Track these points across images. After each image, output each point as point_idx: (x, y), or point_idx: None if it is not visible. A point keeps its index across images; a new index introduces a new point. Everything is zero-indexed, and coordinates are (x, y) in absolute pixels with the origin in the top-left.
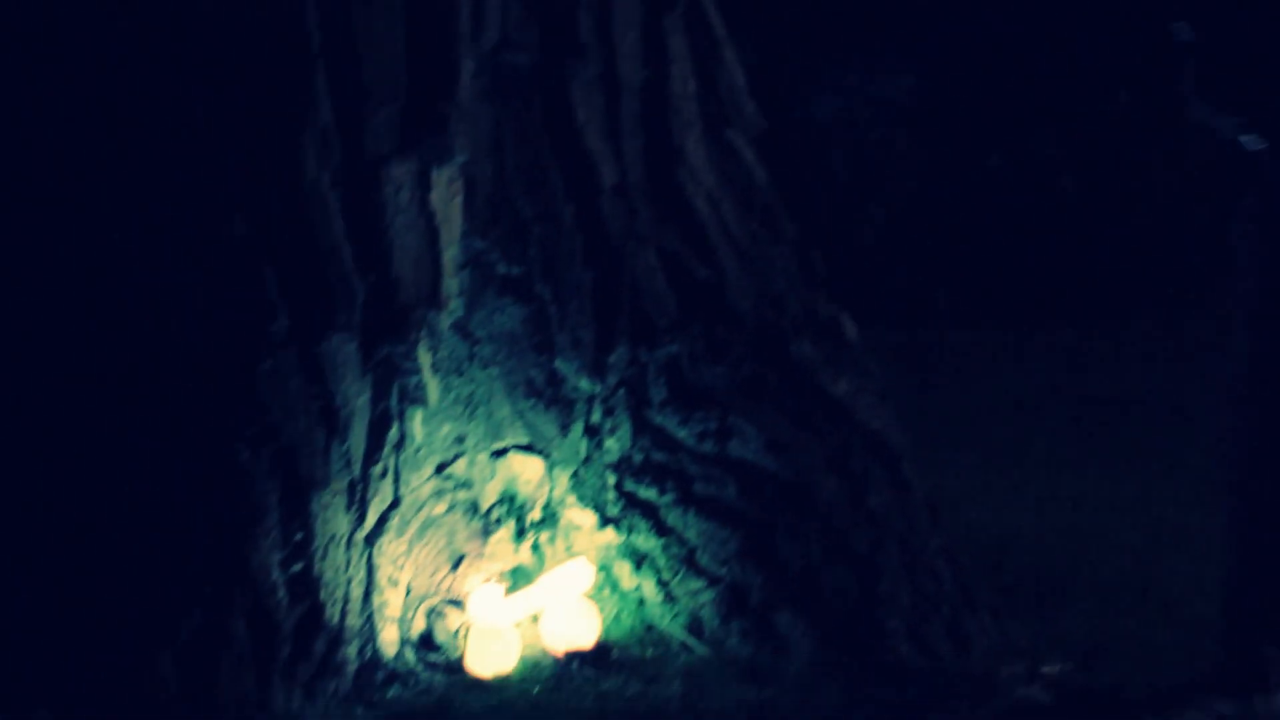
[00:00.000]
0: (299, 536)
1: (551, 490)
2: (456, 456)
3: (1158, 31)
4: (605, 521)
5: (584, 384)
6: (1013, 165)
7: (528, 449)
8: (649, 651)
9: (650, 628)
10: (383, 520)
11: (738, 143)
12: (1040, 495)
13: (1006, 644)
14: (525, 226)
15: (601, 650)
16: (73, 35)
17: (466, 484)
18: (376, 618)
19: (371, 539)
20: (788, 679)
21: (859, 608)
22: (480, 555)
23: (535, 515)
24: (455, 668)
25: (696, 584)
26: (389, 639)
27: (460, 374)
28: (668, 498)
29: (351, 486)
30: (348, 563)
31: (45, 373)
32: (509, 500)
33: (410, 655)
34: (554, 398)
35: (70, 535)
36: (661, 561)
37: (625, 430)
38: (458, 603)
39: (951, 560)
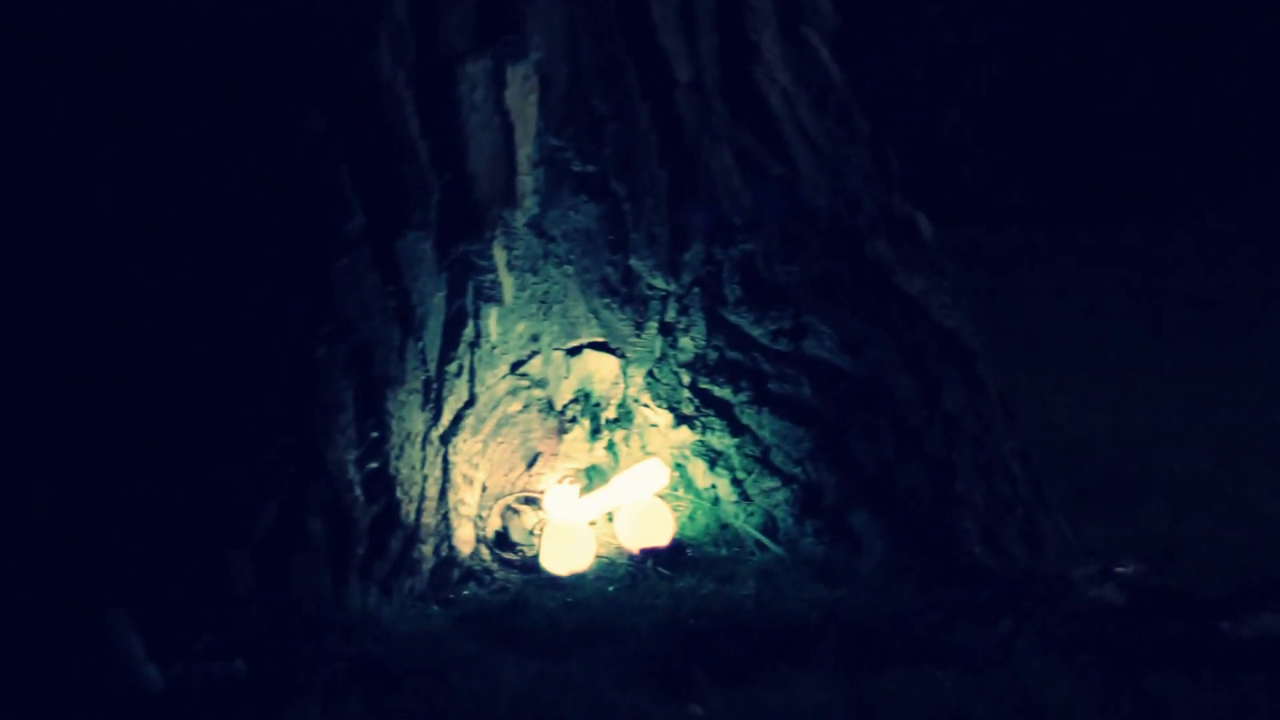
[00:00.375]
0: (375, 434)
1: (626, 388)
2: (532, 354)
3: None
4: (680, 420)
5: (659, 282)
6: (1085, 62)
7: (603, 347)
8: (723, 551)
9: (725, 527)
10: (458, 418)
11: (813, 40)
12: (1115, 396)
13: (1080, 545)
14: (600, 124)
15: (676, 549)
16: None
17: (541, 382)
18: (452, 516)
19: (447, 437)
20: (861, 579)
21: (933, 508)
22: (555, 453)
23: (610, 413)
24: (530, 566)
25: (771, 483)
26: (464, 537)
27: (535, 272)
28: (742, 396)
29: (427, 384)
30: (423, 461)
31: (123, 276)
32: (584, 398)
33: (485, 553)
34: (629, 296)
35: (149, 436)
36: (736, 460)
37: (700, 328)
38: (533, 501)
39: (1026, 461)
